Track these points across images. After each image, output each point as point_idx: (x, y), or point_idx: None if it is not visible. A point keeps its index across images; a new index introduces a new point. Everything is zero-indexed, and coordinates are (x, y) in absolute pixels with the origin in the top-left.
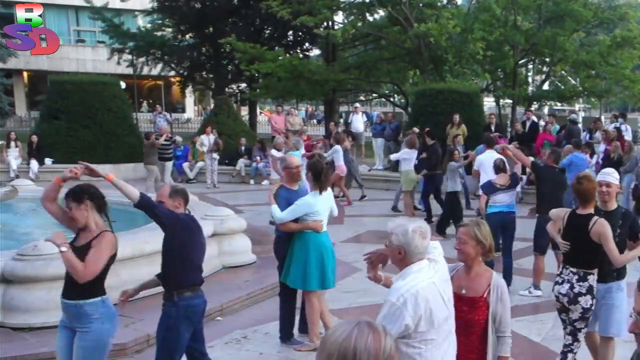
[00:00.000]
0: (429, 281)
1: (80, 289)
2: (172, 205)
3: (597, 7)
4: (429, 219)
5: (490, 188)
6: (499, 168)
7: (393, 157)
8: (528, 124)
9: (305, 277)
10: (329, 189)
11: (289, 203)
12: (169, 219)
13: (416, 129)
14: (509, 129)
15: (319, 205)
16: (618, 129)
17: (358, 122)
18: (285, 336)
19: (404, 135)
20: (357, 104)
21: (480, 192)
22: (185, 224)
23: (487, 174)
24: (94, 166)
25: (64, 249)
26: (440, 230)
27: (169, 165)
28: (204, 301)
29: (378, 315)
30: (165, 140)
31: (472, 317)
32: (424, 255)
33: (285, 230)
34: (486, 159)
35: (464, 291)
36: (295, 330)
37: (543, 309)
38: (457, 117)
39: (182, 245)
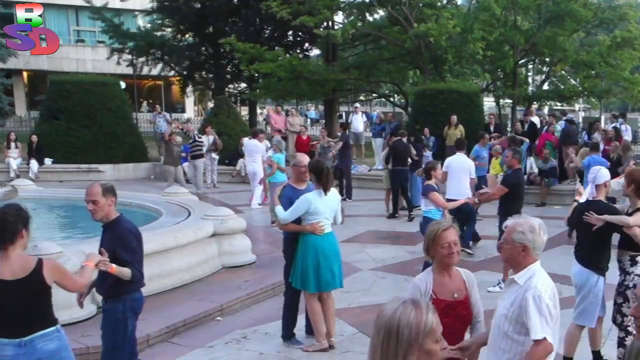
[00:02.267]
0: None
1: None
2: (105, 204)
3: (597, 7)
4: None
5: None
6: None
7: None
8: (526, 125)
9: (303, 278)
10: (337, 192)
11: (291, 202)
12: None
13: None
14: (509, 129)
15: (320, 204)
16: (616, 129)
17: (358, 122)
18: (286, 335)
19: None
20: (357, 104)
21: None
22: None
23: (454, 177)
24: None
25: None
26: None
27: (200, 163)
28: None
29: (528, 316)
30: (198, 138)
31: (468, 318)
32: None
33: (285, 230)
34: (454, 162)
35: (456, 295)
36: (301, 331)
37: None
38: (454, 118)
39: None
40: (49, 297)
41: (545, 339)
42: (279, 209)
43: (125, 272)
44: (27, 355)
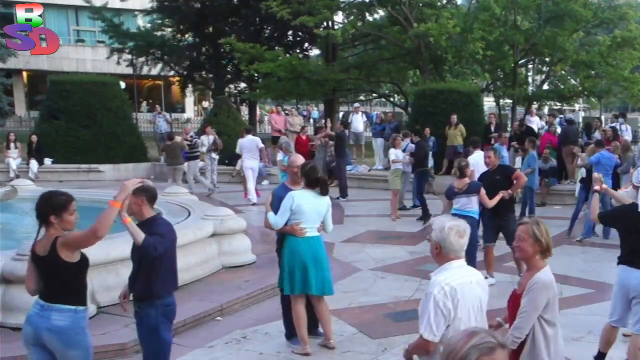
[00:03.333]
0: (467, 279)
1: None
2: (134, 202)
3: (597, 7)
4: (425, 217)
5: (449, 192)
6: (460, 172)
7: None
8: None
9: (281, 279)
10: (327, 199)
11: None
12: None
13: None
14: (509, 129)
15: (305, 203)
16: (614, 129)
17: (358, 122)
18: (288, 334)
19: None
20: (357, 104)
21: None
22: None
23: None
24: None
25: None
26: None
27: (194, 164)
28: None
29: (420, 308)
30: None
31: (512, 312)
32: (459, 254)
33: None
34: (476, 160)
35: (515, 287)
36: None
37: None
38: (454, 118)
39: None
40: (70, 275)
41: (421, 336)
42: (269, 215)
43: (139, 233)
44: (42, 320)
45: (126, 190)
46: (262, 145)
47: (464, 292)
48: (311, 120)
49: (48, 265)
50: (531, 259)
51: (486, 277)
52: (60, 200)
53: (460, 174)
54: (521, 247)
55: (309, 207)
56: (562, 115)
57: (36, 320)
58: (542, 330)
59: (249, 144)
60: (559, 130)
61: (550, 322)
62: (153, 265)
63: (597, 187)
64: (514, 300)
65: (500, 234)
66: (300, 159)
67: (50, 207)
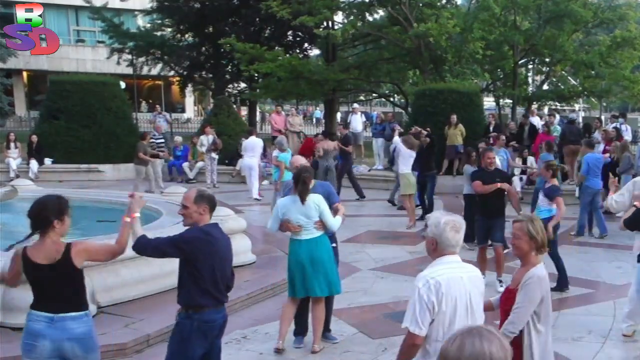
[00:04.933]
0: (457, 274)
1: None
2: (195, 211)
3: (597, 8)
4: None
5: (554, 191)
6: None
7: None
8: (526, 128)
9: (288, 282)
10: (315, 199)
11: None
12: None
13: (418, 128)
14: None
15: (288, 209)
16: (617, 129)
17: (356, 122)
18: (294, 331)
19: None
20: (356, 104)
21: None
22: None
23: None
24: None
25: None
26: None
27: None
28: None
29: (408, 304)
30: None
31: (504, 307)
32: (455, 249)
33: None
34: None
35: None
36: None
37: None
38: (454, 117)
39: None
40: (79, 281)
41: (407, 329)
42: (270, 219)
43: (138, 231)
44: (58, 332)
45: (139, 203)
46: (274, 154)
47: (449, 286)
48: (314, 120)
49: (58, 273)
50: (527, 256)
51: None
52: (63, 204)
53: (554, 174)
54: (517, 244)
55: (295, 215)
56: (567, 117)
57: (52, 333)
58: (535, 327)
59: (251, 144)
60: (558, 129)
61: (542, 319)
62: (184, 272)
63: (637, 203)
64: (507, 295)
65: None
66: (298, 160)
67: (54, 211)
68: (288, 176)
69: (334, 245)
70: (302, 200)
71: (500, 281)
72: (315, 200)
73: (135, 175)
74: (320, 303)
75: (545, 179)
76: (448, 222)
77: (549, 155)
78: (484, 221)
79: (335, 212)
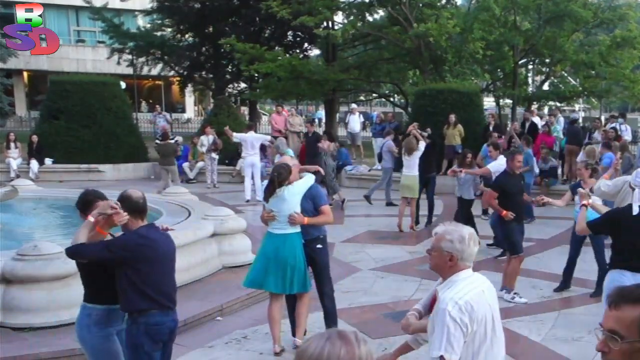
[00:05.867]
0: (478, 289)
1: None
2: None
3: (597, 8)
4: (429, 220)
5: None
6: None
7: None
8: (527, 124)
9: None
10: (286, 191)
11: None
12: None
13: (415, 126)
14: (508, 129)
15: (269, 203)
16: (615, 129)
17: (354, 123)
18: (293, 332)
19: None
20: (354, 105)
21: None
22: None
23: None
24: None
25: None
26: None
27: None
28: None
29: (435, 329)
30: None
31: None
32: (471, 263)
33: None
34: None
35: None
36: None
37: (543, 308)
38: (452, 117)
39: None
40: (84, 274)
41: (441, 357)
42: None
43: (81, 235)
44: None
45: (102, 208)
46: (267, 142)
47: (478, 304)
48: (316, 121)
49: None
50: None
51: (515, 293)
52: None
53: (592, 175)
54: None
55: (268, 206)
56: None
57: None
58: None
59: (251, 139)
60: (558, 129)
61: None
62: (122, 278)
63: (584, 202)
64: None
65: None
66: (284, 160)
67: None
68: None
69: (319, 246)
70: (266, 198)
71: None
72: (288, 192)
73: (164, 175)
74: (301, 298)
75: (583, 179)
76: (471, 235)
77: (529, 150)
78: (519, 227)
79: (320, 214)
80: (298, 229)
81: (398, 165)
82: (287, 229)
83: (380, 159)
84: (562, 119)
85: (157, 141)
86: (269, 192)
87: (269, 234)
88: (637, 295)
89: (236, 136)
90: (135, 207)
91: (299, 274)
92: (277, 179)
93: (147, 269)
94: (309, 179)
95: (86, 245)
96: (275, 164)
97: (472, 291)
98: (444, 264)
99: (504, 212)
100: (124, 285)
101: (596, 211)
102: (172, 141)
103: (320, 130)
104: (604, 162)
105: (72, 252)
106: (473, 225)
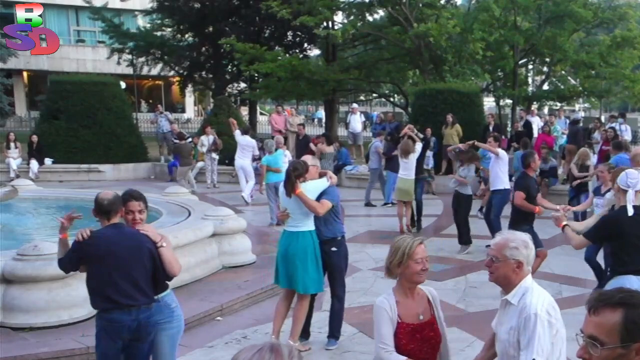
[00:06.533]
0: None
1: (161, 285)
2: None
3: (597, 7)
4: (418, 224)
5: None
6: None
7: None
8: (521, 123)
9: None
10: (302, 186)
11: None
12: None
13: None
14: (509, 129)
15: (283, 197)
16: (613, 129)
17: (356, 123)
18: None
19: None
20: (355, 105)
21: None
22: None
23: None
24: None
25: (164, 244)
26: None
27: None
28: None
29: (525, 334)
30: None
31: (436, 340)
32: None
33: None
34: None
35: (421, 317)
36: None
37: None
38: (449, 117)
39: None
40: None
41: None
42: None
43: (58, 252)
44: None
45: (69, 220)
46: (256, 151)
47: (555, 305)
48: (315, 121)
49: None
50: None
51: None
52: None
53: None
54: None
55: (283, 204)
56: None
57: None
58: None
59: (244, 143)
60: (558, 129)
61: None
62: (87, 277)
63: (564, 223)
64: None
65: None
66: (305, 158)
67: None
68: (271, 178)
69: (333, 249)
70: (287, 193)
71: None
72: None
73: (183, 175)
74: (300, 301)
75: (604, 182)
76: (529, 239)
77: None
78: (530, 228)
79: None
80: (311, 227)
81: (388, 167)
82: (299, 226)
83: (367, 160)
84: (564, 119)
85: (174, 141)
86: (289, 185)
87: (283, 232)
88: (617, 300)
89: (236, 133)
90: (99, 209)
91: (304, 274)
92: (292, 173)
93: (95, 268)
94: (324, 181)
95: (60, 259)
96: (290, 161)
97: (547, 293)
98: (511, 272)
99: (537, 208)
100: (88, 285)
101: (573, 230)
102: (189, 141)
103: (321, 131)
104: (613, 162)
105: (60, 268)
106: (467, 226)
